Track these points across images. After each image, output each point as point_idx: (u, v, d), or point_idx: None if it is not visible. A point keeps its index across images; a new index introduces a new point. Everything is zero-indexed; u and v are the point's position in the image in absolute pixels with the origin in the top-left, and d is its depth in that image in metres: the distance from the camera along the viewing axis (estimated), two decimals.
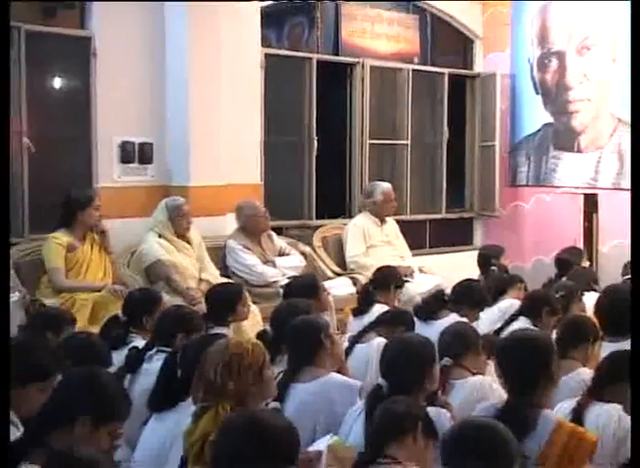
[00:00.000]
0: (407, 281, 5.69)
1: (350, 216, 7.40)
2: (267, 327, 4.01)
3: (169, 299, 4.83)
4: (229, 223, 6.28)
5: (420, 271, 6.81)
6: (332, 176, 7.71)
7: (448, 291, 4.94)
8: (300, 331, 3.45)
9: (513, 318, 4.52)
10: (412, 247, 7.26)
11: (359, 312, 4.80)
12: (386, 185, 7.02)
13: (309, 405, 3.21)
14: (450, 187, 8.53)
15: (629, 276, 5.68)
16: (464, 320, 4.43)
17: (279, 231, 6.81)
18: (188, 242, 5.77)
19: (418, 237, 8.14)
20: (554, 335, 4.02)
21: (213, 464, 2.18)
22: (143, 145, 6.26)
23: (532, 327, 4.38)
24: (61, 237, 5.27)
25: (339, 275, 6.59)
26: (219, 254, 6.07)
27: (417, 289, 6.08)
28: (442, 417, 2.90)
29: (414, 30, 8.28)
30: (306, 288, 4.60)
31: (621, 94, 7.46)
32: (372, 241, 6.79)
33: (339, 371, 3.48)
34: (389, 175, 7.90)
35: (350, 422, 3.05)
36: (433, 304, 4.70)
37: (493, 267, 6.22)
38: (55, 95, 6.13)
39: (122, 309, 4.25)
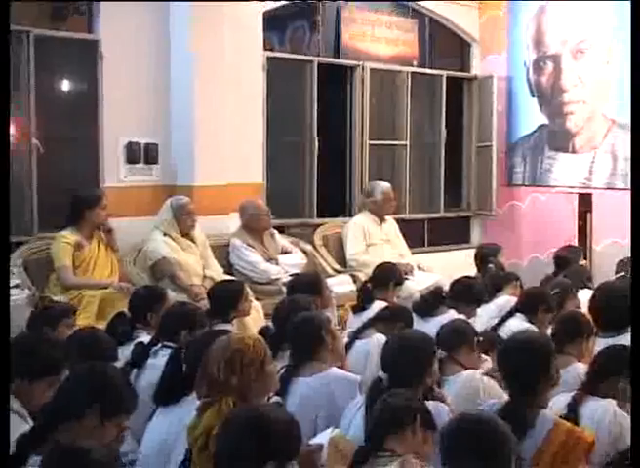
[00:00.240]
0: (406, 278, 5.69)
1: (350, 215, 7.39)
2: (270, 323, 4.01)
3: (174, 296, 4.83)
4: (233, 222, 6.28)
5: (419, 269, 6.81)
6: (332, 176, 7.71)
7: (446, 288, 4.94)
8: (301, 328, 3.45)
9: (509, 314, 4.52)
10: (411, 245, 7.27)
11: (359, 309, 4.80)
12: (386, 185, 7.02)
13: (310, 399, 3.21)
14: (448, 187, 8.53)
15: (623, 273, 5.69)
16: (462, 316, 4.44)
17: (281, 230, 6.81)
18: (193, 240, 5.77)
19: (416, 235, 8.14)
20: (550, 331, 4.03)
21: (216, 457, 2.19)
22: (149, 146, 6.26)
23: (527, 323, 4.39)
24: (69, 236, 5.27)
25: (339, 272, 6.59)
26: (222, 252, 6.07)
27: (415, 286, 6.09)
28: (441, 411, 2.90)
29: (413, 34, 8.28)
30: (310, 285, 4.60)
31: (615, 96, 7.47)
32: (371, 239, 6.79)
33: (340, 366, 3.49)
34: (389, 174, 7.89)
35: (350, 416, 3.05)
36: (431, 301, 4.69)
37: (490, 265, 6.21)
38: (63, 97, 6.13)
39: (128, 306, 4.26)
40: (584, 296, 4.79)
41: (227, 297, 4.42)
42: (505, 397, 3.02)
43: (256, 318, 4.98)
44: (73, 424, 2.36)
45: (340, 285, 6.09)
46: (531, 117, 8.27)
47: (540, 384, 2.87)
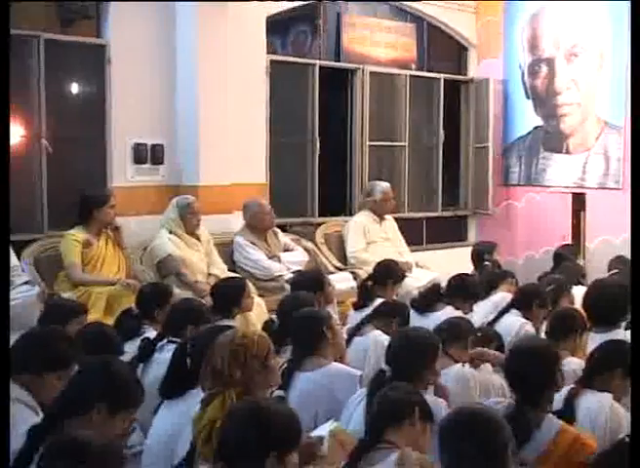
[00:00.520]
0: (405, 275, 5.69)
1: (351, 214, 7.39)
2: (273, 317, 4.01)
3: (179, 293, 4.82)
4: (236, 221, 6.27)
5: (417, 266, 6.81)
6: (333, 176, 7.71)
7: (443, 284, 4.94)
8: (302, 323, 3.45)
9: (505, 310, 4.52)
10: (409, 243, 7.26)
11: (360, 306, 4.79)
12: (385, 185, 7.02)
13: (312, 392, 3.22)
14: (445, 187, 8.52)
15: (616, 270, 5.70)
16: (459, 312, 4.44)
17: (284, 228, 6.81)
18: (198, 238, 5.77)
19: (415, 234, 8.14)
20: (544, 327, 4.03)
21: (219, 448, 2.19)
22: (155, 147, 6.26)
23: (523, 319, 4.39)
24: (78, 234, 5.26)
25: (340, 270, 6.59)
26: (226, 250, 6.07)
27: (414, 283, 6.08)
28: (439, 405, 2.90)
29: (411, 38, 8.28)
30: (313, 281, 4.61)
31: (608, 98, 7.46)
32: (371, 237, 6.79)
33: (341, 362, 3.48)
34: (388, 174, 7.89)
35: (351, 409, 3.05)
36: (429, 297, 4.70)
37: (486, 262, 6.22)
38: (72, 99, 6.13)
39: (135, 302, 4.27)
40: (578, 293, 4.79)
41: (230, 294, 4.42)
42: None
43: (259, 314, 4.98)
44: (83, 417, 2.36)
45: (341, 282, 6.07)
46: (526, 119, 8.27)
47: (546, 389, 2.85)
